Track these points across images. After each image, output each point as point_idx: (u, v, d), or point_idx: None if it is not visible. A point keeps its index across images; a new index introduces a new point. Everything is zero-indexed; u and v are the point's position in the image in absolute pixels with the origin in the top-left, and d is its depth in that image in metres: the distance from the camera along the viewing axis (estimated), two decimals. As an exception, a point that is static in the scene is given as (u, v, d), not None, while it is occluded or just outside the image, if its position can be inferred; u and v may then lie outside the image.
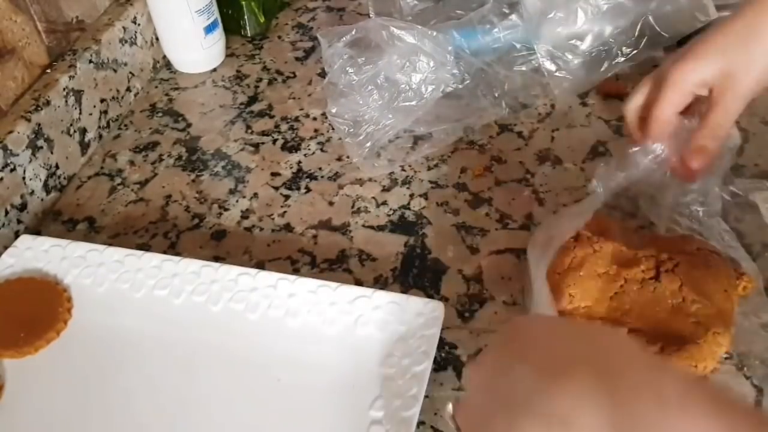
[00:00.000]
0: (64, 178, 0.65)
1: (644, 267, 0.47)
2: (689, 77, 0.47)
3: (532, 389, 0.27)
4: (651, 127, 0.49)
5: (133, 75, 0.75)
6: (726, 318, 0.45)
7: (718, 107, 0.46)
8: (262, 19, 0.83)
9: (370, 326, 0.48)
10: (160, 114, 0.74)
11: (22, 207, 0.60)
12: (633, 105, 0.50)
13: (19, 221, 0.60)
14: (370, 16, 0.75)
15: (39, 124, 0.61)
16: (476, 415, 0.31)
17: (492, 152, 0.65)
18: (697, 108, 0.48)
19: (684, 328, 0.44)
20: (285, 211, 0.61)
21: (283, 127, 0.70)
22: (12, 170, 0.58)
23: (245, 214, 0.61)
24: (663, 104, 0.48)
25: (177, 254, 0.56)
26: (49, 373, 0.48)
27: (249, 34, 0.84)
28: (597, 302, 0.47)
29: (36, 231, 0.61)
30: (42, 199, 0.63)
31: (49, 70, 0.65)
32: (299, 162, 0.66)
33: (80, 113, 0.67)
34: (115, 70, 0.72)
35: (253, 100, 0.74)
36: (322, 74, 0.76)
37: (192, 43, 0.76)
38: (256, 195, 0.63)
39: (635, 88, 0.50)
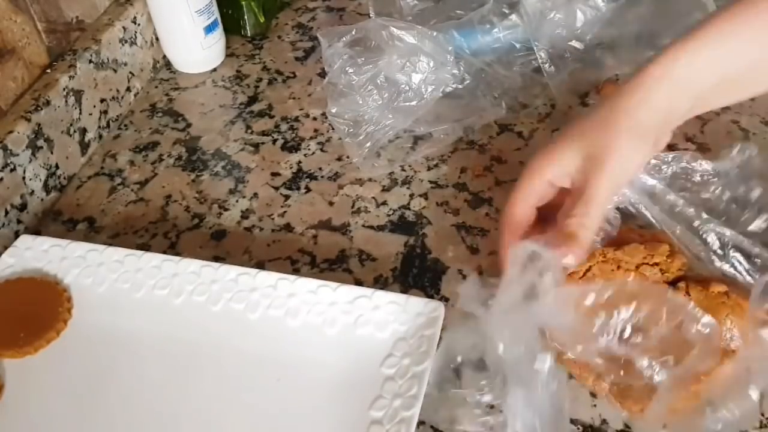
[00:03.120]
0: (64, 178, 0.65)
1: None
2: (546, 165, 0.45)
3: None
4: (501, 224, 0.46)
5: (133, 75, 0.75)
6: None
7: (584, 193, 0.43)
8: (262, 19, 0.83)
9: (370, 326, 0.48)
10: (160, 114, 0.74)
11: (22, 207, 0.60)
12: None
13: (19, 221, 0.60)
14: (370, 16, 0.75)
15: (39, 124, 0.61)
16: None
17: (492, 152, 0.65)
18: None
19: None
20: (285, 211, 0.61)
21: (283, 127, 0.70)
22: (12, 170, 0.58)
23: (245, 214, 0.61)
24: (516, 196, 0.46)
25: (177, 254, 0.56)
26: (49, 373, 0.48)
27: (249, 34, 0.84)
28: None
29: (36, 231, 0.61)
30: (42, 199, 0.63)
31: (49, 70, 0.65)
32: (299, 162, 0.66)
33: (80, 113, 0.67)
34: (115, 70, 0.72)
35: (253, 100, 0.74)
36: (322, 74, 0.76)
37: (192, 43, 0.76)
38: (256, 195, 0.63)
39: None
